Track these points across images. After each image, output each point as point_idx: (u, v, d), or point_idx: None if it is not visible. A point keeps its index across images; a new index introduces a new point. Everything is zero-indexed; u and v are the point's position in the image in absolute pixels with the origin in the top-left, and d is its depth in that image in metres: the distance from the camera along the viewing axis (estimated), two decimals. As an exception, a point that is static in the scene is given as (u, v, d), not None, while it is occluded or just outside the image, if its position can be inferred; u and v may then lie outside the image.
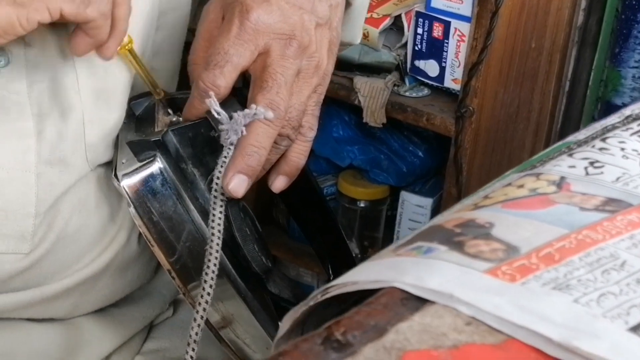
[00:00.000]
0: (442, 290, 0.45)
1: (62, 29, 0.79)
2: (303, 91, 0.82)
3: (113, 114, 0.84)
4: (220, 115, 0.78)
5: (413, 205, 1.78)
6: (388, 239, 1.83)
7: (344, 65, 1.62)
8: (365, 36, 1.61)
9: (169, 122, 0.84)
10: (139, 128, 0.85)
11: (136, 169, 0.81)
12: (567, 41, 1.69)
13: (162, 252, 0.80)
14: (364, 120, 1.62)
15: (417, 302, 0.46)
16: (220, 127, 0.79)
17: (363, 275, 0.51)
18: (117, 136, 0.85)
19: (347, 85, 1.63)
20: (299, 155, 0.85)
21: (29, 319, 0.89)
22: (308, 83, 0.82)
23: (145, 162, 0.80)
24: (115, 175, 0.81)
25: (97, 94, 0.82)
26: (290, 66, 0.80)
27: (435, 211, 1.76)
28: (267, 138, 0.79)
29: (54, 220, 0.83)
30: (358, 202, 1.78)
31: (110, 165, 0.86)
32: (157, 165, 0.80)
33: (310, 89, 0.83)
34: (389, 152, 1.78)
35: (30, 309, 0.87)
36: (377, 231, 1.82)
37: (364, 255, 1.79)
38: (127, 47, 0.82)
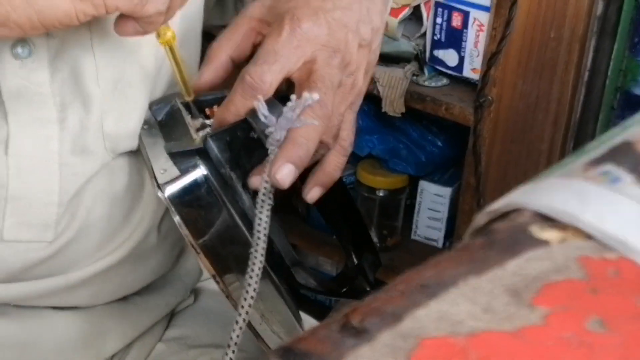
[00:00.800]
0: (617, 236, 0.44)
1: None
2: (341, 104, 0.82)
3: (131, 104, 0.84)
4: (267, 114, 0.76)
5: (432, 195, 1.78)
6: (407, 228, 1.83)
7: (363, 55, 1.62)
8: (385, 26, 1.61)
9: (199, 125, 0.83)
10: (168, 134, 0.84)
11: (178, 177, 0.79)
12: (586, 31, 1.69)
13: (208, 260, 0.80)
14: (383, 110, 1.63)
15: (434, 289, 0.47)
16: (269, 129, 0.77)
17: (545, 197, 0.50)
18: (140, 137, 0.85)
19: (366, 74, 1.63)
20: (335, 167, 0.85)
21: (52, 307, 0.90)
22: (345, 98, 0.83)
23: (187, 170, 0.80)
24: (158, 186, 0.79)
25: (115, 84, 0.82)
26: (335, 74, 0.80)
27: (454, 200, 1.76)
28: (315, 133, 0.78)
29: (77, 209, 0.84)
30: (377, 192, 1.79)
31: (132, 155, 0.86)
32: (201, 172, 0.80)
33: (346, 104, 0.83)
34: (408, 142, 1.78)
35: (54, 296, 0.87)
36: (396, 220, 1.82)
37: (383, 245, 1.80)
38: (169, 42, 0.81)
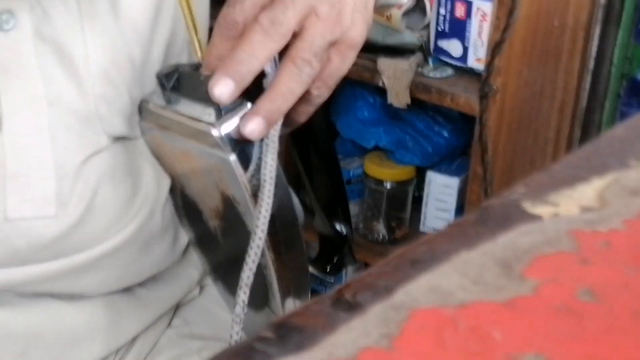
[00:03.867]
0: None
1: None
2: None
3: (123, 88, 0.85)
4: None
5: (439, 186, 1.79)
6: (415, 219, 1.84)
7: (367, 47, 1.62)
8: (388, 18, 1.62)
9: None
10: (188, 94, 0.81)
11: (228, 116, 0.77)
12: (590, 19, 1.69)
13: (253, 200, 0.79)
14: (389, 102, 1.63)
15: (426, 264, 0.47)
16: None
17: None
18: (140, 110, 0.85)
19: (371, 67, 1.64)
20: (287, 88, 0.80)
21: (58, 298, 0.91)
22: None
23: (234, 109, 0.77)
24: (209, 125, 0.77)
25: (107, 70, 0.83)
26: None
27: (462, 191, 1.76)
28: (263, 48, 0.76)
29: (79, 187, 0.85)
30: (384, 183, 1.79)
31: (130, 142, 0.87)
32: (248, 107, 0.78)
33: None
34: (414, 133, 1.78)
35: (59, 281, 0.88)
36: (404, 212, 1.82)
37: (391, 237, 1.81)
38: None
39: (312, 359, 0.41)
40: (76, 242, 0.86)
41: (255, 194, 0.79)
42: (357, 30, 0.80)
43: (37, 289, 0.89)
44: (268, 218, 0.77)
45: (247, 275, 0.78)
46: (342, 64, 0.80)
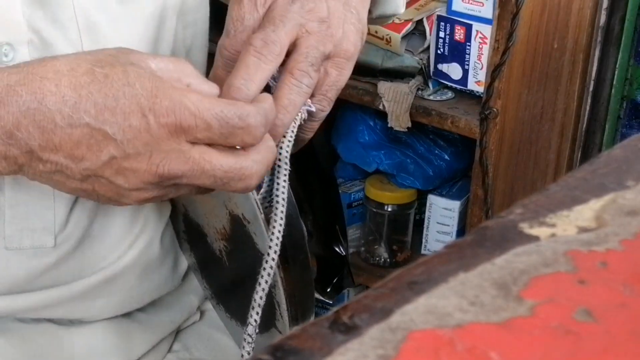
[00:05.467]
0: None
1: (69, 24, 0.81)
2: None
3: None
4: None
5: (441, 209, 1.78)
6: (417, 242, 1.83)
7: (367, 71, 1.64)
8: (388, 41, 1.62)
9: None
10: None
11: None
12: (590, 41, 1.69)
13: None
14: (389, 125, 1.63)
15: (424, 285, 0.47)
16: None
17: None
18: None
19: (371, 90, 1.64)
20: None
21: (57, 323, 0.91)
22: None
23: None
24: None
25: None
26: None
27: (463, 214, 1.76)
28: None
29: (76, 214, 0.85)
30: (386, 207, 1.79)
31: None
32: None
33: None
34: (415, 156, 1.78)
35: (59, 307, 0.88)
36: (406, 235, 1.82)
37: (393, 260, 1.81)
38: None
39: (309, 381, 0.41)
40: (74, 269, 0.87)
41: (266, 212, 0.80)
42: (350, 41, 0.81)
43: (37, 315, 0.89)
44: (280, 239, 0.77)
45: (260, 295, 0.78)
46: (339, 76, 0.81)
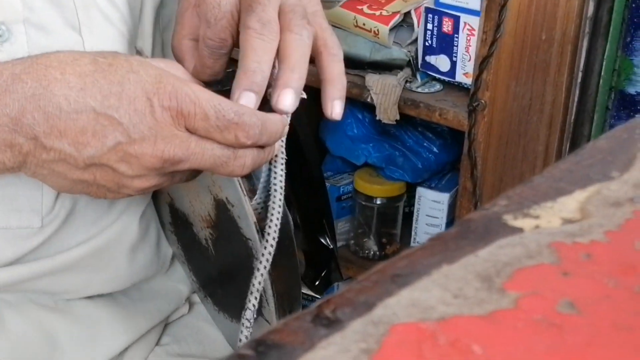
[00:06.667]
0: None
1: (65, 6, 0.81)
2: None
3: None
4: None
5: (430, 201, 1.78)
6: (406, 235, 1.83)
7: (355, 63, 1.63)
8: (376, 33, 1.62)
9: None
10: None
11: None
12: (577, 32, 1.69)
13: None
14: (377, 118, 1.63)
15: (407, 278, 0.47)
16: None
17: None
18: None
19: (359, 83, 1.63)
20: (340, 73, 0.84)
21: (41, 306, 0.91)
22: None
23: None
24: None
25: None
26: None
27: (452, 206, 1.76)
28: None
29: (63, 197, 0.85)
30: (375, 200, 1.79)
31: None
32: None
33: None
34: (404, 149, 1.78)
35: (43, 279, 0.88)
36: (395, 228, 1.82)
37: (382, 253, 1.80)
38: None
39: (291, 376, 0.41)
40: (58, 245, 0.87)
41: (250, 193, 0.81)
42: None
43: (19, 289, 0.89)
44: (279, 226, 0.79)
45: (259, 280, 0.80)
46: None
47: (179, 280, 1.02)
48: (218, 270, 0.96)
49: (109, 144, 0.71)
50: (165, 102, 0.71)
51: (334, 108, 0.82)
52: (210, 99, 0.72)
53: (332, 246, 0.94)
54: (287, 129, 0.79)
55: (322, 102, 0.83)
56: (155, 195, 0.98)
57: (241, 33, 0.78)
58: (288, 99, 0.78)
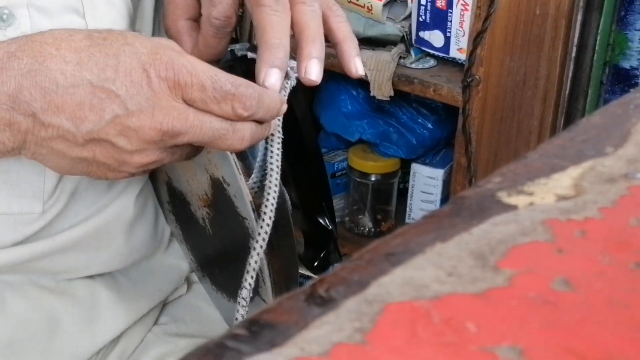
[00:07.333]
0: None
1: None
2: None
3: None
4: None
5: (424, 177, 1.78)
6: (401, 211, 1.83)
7: (348, 40, 1.62)
8: (369, 9, 1.61)
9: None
10: None
11: None
12: (571, 6, 1.68)
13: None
14: (372, 94, 1.63)
15: (401, 257, 0.47)
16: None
17: None
18: None
19: (353, 59, 1.63)
20: (346, 31, 0.85)
21: (42, 287, 0.91)
22: None
23: None
24: None
25: None
26: None
27: (447, 182, 1.76)
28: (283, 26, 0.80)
29: (65, 181, 0.85)
30: (369, 176, 1.79)
31: None
32: None
33: None
34: (398, 125, 1.78)
35: (44, 259, 0.88)
36: (390, 204, 1.82)
37: (377, 230, 1.80)
38: None
39: (284, 356, 0.40)
40: (58, 226, 0.87)
41: (246, 172, 0.81)
42: None
43: (20, 269, 0.89)
44: (275, 205, 0.79)
45: (255, 259, 0.80)
46: None
47: (179, 258, 1.02)
48: (215, 250, 0.96)
49: (107, 117, 0.71)
50: (162, 72, 0.71)
51: (357, 65, 0.83)
52: (206, 69, 0.72)
53: (331, 227, 0.94)
54: (285, 107, 0.79)
55: (342, 63, 0.83)
56: (153, 175, 0.97)
57: (255, 11, 0.78)
58: (315, 69, 0.78)
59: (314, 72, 0.78)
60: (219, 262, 0.97)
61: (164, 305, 1.03)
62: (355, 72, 0.83)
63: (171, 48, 0.74)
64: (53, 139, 0.72)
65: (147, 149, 0.73)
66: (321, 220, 0.95)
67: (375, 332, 0.41)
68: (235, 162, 0.80)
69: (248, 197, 0.81)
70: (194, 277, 1.06)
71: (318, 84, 0.80)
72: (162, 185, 0.97)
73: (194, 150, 0.78)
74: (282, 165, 0.81)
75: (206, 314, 1.03)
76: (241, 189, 0.81)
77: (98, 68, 0.71)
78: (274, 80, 0.76)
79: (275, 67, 0.76)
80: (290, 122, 0.84)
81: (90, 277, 0.94)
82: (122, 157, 0.73)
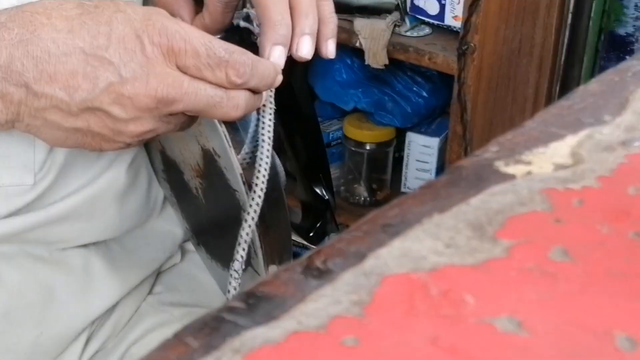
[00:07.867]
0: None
1: None
2: None
3: None
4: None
5: (420, 146, 1.78)
6: (396, 180, 1.83)
7: (343, 8, 1.62)
8: (364, -23, 1.61)
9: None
10: None
11: None
12: (567, -27, 1.68)
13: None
14: (366, 63, 1.62)
15: (398, 228, 0.46)
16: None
17: None
18: None
19: (348, 28, 1.62)
20: (330, 13, 0.85)
21: (36, 258, 0.90)
22: None
23: None
24: None
25: None
26: None
27: (442, 151, 1.76)
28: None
29: (55, 152, 0.84)
30: (364, 145, 1.79)
31: None
32: None
33: None
34: (393, 94, 1.77)
35: (37, 229, 0.88)
36: (385, 173, 1.82)
37: (372, 199, 1.80)
38: None
39: (282, 328, 0.40)
40: (50, 198, 0.87)
41: (237, 144, 0.80)
42: None
43: (14, 240, 0.88)
44: (267, 177, 0.78)
45: (247, 232, 0.79)
46: None
47: (173, 224, 1.02)
48: (209, 219, 0.96)
49: (101, 85, 0.70)
50: (156, 38, 0.70)
51: (328, 47, 0.82)
52: (200, 36, 0.72)
53: (328, 197, 0.93)
54: (280, 77, 0.79)
55: (317, 40, 0.83)
56: (147, 143, 0.97)
57: None
58: (306, 46, 0.78)
59: (305, 49, 0.78)
60: (212, 231, 0.97)
61: (158, 274, 1.03)
62: (325, 54, 0.82)
63: (164, 14, 0.73)
64: (47, 109, 0.72)
65: (142, 117, 0.73)
66: (318, 191, 0.95)
67: (373, 305, 0.41)
68: (225, 134, 0.80)
69: (238, 170, 0.80)
70: (188, 245, 1.06)
71: (309, 59, 0.79)
72: (156, 154, 0.97)
73: (188, 120, 0.77)
74: (278, 136, 0.81)
75: (201, 283, 1.03)
76: (231, 161, 0.80)
77: (90, 36, 0.70)
78: (277, 57, 0.76)
79: (278, 44, 0.76)
80: (287, 92, 0.84)
81: (84, 246, 0.94)
82: (117, 126, 0.73)
